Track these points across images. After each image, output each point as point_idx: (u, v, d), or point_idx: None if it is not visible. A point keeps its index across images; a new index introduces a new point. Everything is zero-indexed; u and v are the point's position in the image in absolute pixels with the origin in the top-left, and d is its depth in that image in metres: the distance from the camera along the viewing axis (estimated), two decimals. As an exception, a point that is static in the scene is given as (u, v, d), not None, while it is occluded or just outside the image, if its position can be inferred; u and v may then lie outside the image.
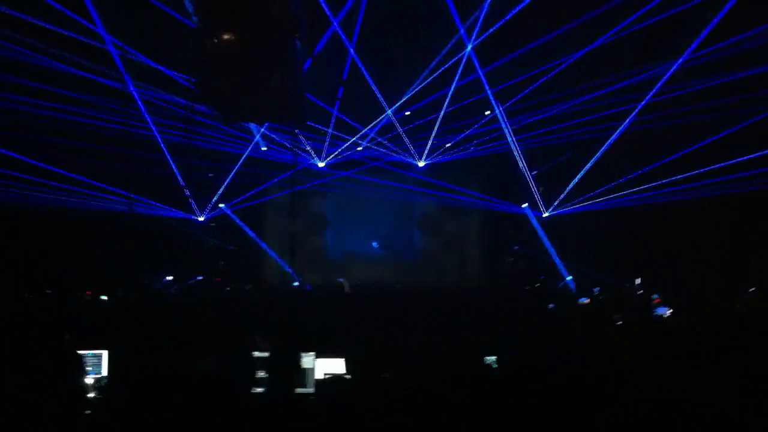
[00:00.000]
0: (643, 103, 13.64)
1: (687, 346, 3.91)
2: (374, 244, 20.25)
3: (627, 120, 14.18)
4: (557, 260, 17.26)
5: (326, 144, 17.13)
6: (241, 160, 16.82)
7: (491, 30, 13.13)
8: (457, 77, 14.45)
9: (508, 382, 4.14)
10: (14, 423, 3.24)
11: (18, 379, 3.52)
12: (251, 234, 18.62)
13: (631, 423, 3.22)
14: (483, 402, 3.70)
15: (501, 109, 15.61)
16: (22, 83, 12.22)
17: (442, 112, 15.64)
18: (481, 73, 14.34)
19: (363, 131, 16.51)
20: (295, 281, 16.21)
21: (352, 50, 13.81)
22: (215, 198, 17.63)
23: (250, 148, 16.56)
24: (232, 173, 17.07)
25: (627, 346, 3.77)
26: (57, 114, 13.12)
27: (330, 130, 16.44)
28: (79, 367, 4.60)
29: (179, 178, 15.52)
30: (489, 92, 14.87)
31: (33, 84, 12.35)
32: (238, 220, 18.27)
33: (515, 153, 16.55)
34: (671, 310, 10.48)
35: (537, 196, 17.36)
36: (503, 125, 15.85)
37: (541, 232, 17.46)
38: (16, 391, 3.42)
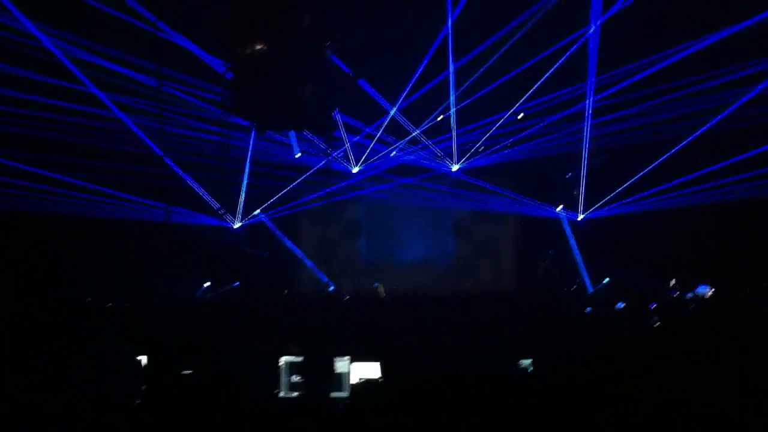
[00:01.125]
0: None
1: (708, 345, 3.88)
2: (394, 250, 20.23)
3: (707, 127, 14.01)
4: (591, 264, 17.11)
5: (368, 150, 17.13)
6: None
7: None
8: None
9: (543, 385, 4.13)
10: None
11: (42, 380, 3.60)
12: (287, 242, 18.72)
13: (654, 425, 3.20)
14: (519, 403, 3.69)
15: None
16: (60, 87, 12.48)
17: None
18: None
19: (397, 144, 16.53)
20: (330, 288, 16.27)
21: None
22: (238, 204, 17.72)
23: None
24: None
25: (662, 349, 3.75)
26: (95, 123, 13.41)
27: (376, 136, 16.46)
28: (136, 373, 4.66)
29: (213, 200, 15.71)
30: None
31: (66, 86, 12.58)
32: (273, 227, 18.38)
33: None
34: (713, 289, 10.35)
35: (572, 199, 17.22)
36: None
37: (571, 236, 17.32)
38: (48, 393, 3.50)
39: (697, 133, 13.80)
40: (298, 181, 17.28)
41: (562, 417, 3.60)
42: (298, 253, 19.09)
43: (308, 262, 18.81)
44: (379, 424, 3.71)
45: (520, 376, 4.88)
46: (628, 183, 15.80)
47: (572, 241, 17.30)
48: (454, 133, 16.43)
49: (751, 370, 3.71)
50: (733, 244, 14.75)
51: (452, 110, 15.83)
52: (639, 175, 15.45)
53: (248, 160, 16.08)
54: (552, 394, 3.96)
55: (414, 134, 16.54)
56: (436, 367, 4.88)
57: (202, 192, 16.27)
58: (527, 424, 3.50)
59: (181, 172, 15.25)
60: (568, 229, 17.32)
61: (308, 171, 17.22)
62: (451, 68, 14.38)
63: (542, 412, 3.70)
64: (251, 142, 15.47)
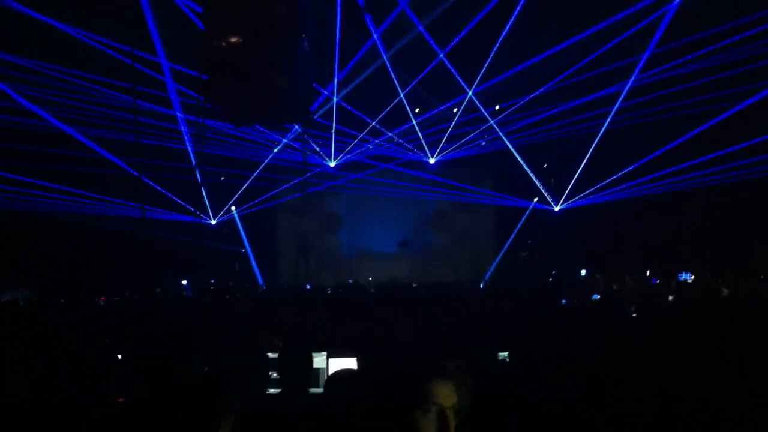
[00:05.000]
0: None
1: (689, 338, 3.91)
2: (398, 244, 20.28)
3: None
4: (569, 254, 17.25)
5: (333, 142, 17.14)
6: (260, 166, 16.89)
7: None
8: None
9: (519, 378, 4.14)
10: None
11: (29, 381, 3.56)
12: (244, 240, 18.58)
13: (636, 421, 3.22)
14: (495, 397, 3.70)
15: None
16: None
17: (459, 110, 15.70)
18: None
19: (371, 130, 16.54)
20: (307, 284, 16.25)
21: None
22: (211, 201, 17.68)
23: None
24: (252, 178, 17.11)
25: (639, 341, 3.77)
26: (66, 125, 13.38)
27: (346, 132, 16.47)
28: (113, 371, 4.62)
29: (199, 176, 15.59)
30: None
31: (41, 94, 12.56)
32: (239, 225, 18.26)
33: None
34: (693, 276, 10.48)
35: (546, 190, 17.36)
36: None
37: (551, 227, 17.45)
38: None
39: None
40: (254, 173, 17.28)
41: (540, 410, 3.61)
42: (276, 248, 19.09)
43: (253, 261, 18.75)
44: (355, 418, 3.67)
45: (499, 368, 4.89)
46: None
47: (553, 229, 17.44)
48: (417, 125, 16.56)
49: (732, 363, 3.74)
50: (719, 231, 14.90)
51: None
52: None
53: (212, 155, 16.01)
54: (531, 387, 3.96)
55: (393, 133, 16.60)
56: (416, 359, 4.87)
57: (176, 192, 16.18)
58: (508, 418, 3.50)
59: (152, 184, 15.24)
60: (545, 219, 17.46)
61: (285, 165, 17.19)
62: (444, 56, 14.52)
63: (521, 405, 3.71)
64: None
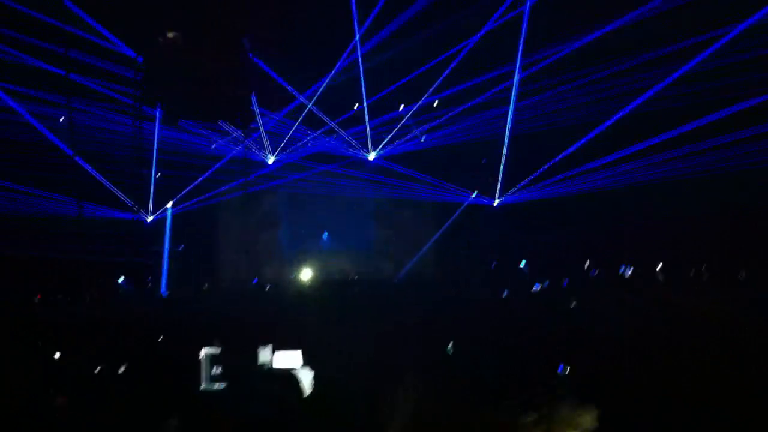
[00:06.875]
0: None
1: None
2: (324, 236, 20.25)
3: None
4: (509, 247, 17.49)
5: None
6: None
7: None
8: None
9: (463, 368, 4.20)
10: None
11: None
12: (167, 238, 18.19)
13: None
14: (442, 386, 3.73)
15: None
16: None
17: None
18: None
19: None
20: (254, 280, 16.09)
21: None
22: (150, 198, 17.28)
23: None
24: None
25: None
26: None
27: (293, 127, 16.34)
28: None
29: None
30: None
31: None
32: (168, 224, 17.85)
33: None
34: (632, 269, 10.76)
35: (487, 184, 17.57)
36: None
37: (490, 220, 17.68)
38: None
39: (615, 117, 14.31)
40: (212, 170, 16.96)
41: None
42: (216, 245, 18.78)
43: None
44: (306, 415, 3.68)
45: (444, 360, 4.96)
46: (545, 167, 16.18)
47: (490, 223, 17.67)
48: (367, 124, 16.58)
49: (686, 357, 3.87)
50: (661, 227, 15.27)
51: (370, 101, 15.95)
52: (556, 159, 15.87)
53: (155, 150, 15.65)
54: (475, 378, 4.02)
55: (331, 125, 16.58)
56: (361, 356, 4.91)
57: (112, 186, 15.74)
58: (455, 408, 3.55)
59: (91, 170, 14.74)
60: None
61: (223, 161, 16.93)
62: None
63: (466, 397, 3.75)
64: (158, 133, 15.02)
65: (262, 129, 16.43)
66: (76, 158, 13.60)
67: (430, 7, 13.10)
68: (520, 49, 13.98)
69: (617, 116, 13.98)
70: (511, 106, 15.17)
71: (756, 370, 3.94)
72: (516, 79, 14.60)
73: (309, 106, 15.95)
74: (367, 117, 16.53)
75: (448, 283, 15.26)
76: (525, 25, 13.57)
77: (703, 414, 3.46)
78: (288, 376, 3.76)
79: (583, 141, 14.85)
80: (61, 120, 13.03)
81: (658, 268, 12.62)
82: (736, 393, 3.66)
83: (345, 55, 14.62)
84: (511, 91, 14.94)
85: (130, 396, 3.06)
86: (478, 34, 13.92)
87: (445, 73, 14.98)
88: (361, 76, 14.99)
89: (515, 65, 14.41)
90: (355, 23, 13.56)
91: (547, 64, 14.12)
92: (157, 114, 12.87)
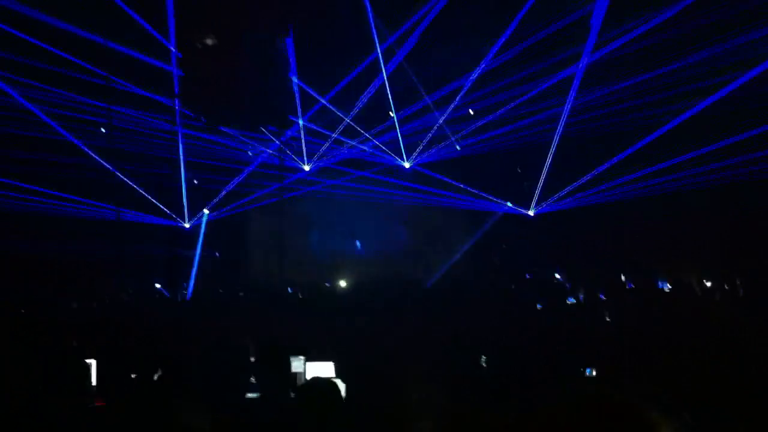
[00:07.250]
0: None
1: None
2: (357, 243, 20.32)
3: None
4: (544, 257, 17.35)
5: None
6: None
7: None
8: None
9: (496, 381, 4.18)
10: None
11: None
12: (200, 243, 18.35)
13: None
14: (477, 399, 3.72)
15: None
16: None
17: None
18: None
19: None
20: (289, 288, 16.17)
21: None
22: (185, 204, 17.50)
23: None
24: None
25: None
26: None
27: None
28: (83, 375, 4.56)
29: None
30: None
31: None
32: (203, 229, 18.05)
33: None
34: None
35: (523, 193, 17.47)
36: None
37: (524, 230, 17.55)
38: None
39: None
40: (244, 174, 17.10)
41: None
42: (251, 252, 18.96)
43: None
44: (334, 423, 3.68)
45: (478, 372, 4.93)
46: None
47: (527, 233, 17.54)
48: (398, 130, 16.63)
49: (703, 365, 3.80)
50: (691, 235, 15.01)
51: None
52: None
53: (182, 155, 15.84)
54: (508, 390, 3.99)
55: (366, 135, 16.66)
56: (395, 365, 4.89)
57: (148, 194, 16.02)
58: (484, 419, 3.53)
59: (131, 182, 15.07)
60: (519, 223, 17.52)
61: (260, 168, 17.09)
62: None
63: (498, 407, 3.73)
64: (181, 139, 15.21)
65: (300, 134, 16.54)
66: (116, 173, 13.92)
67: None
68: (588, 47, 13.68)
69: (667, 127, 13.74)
70: (564, 113, 15.00)
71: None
72: (575, 83, 14.38)
73: (347, 121, 16.09)
74: (397, 125, 16.59)
75: (480, 293, 15.17)
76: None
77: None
78: (328, 388, 3.76)
79: (627, 152, 14.62)
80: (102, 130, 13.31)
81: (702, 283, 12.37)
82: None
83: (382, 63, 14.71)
84: (563, 97, 14.79)
85: (165, 403, 3.10)
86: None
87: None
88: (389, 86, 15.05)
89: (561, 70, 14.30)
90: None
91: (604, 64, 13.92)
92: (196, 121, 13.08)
